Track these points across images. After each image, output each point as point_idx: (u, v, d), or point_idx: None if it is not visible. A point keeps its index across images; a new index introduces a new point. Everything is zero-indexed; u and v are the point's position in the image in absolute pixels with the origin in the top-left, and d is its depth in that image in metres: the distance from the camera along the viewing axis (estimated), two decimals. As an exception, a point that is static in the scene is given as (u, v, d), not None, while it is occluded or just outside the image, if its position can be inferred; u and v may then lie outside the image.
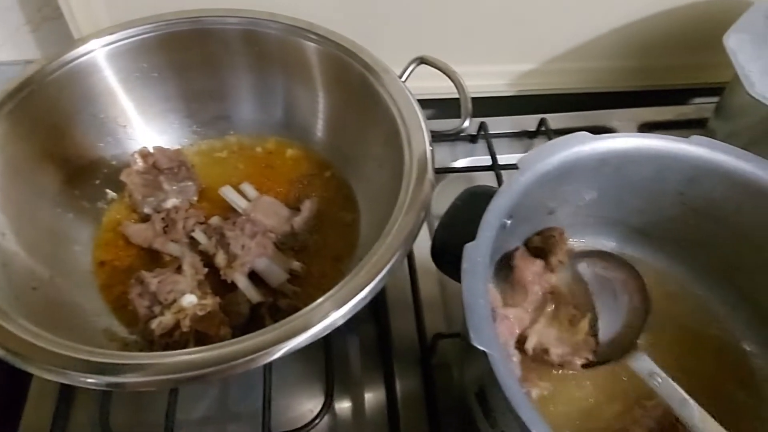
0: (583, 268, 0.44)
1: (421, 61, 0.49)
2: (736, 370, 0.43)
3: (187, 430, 0.43)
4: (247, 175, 0.54)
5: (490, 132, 0.63)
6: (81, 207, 0.49)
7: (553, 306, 0.43)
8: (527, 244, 0.44)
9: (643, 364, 0.39)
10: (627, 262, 0.45)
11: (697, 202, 0.42)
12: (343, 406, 0.46)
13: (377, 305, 0.50)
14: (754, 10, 0.50)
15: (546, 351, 0.40)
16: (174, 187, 0.50)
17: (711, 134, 0.59)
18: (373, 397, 0.47)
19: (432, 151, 0.42)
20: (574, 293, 0.43)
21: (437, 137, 0.48)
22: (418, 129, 0.43)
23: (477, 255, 0.33)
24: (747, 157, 0.38)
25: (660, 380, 0.38)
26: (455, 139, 0.65)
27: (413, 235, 0.37)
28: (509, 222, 0.39)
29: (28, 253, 0.41)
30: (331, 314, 0.33)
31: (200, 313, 0.38)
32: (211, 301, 0.39)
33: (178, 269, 0.41)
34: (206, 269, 0.43)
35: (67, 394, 0.44)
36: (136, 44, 0.48)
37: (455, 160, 0.63)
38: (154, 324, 0.38)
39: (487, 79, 0.69)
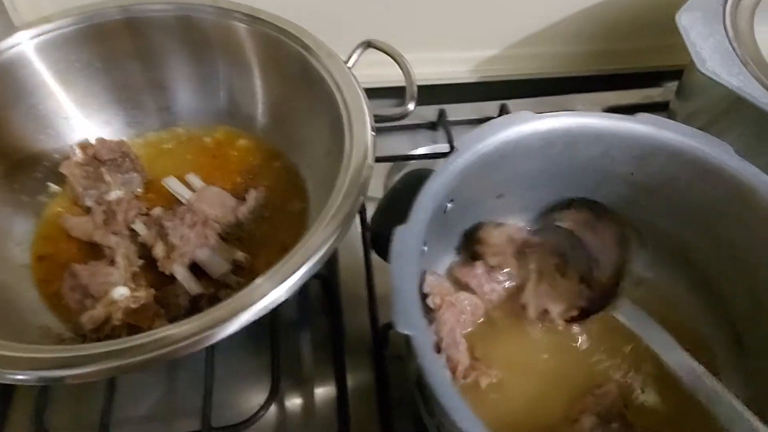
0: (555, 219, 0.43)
1: (369, 44, 0.47)
2: (694, 353, 0.42)
3: (128, 428, 0.42)
4: (196, 165, 0.52)
5: (450, 119, 0.62)
6: (20, 201, 0.47)
7: (535, 261, 0.42)
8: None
9: (628, 312, 0.39)
10: (605, 207, 0.43)
11: (646, 181, 0.41)
12: (294, 402, 0.45)
13: (330, 296, 0.49)
14: (708, -13, 0.49)
15: (547, 312, 0.40)
16: (117, 179, 0.48)
17: (672, 116, 0.58)
18: (324, 391, 0.46)
19: (374, 135, 0.41)
20: (551, 243, 0.43)
21: (387, 121, 0.47)
22: (361, 113, 0.41)
23: (408, 238, 0.31)
24: (693, 135, 0.37)
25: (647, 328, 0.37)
26: (416, 127, 0.64)
27: (349, 218, 0.36)
28: (450, 205, 0.38)
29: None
30: (270, 294, 0.32)
31: (133, 306, 0.37)
32: (144, 294, 0.38)
33: (112, 262, 0.39)
34: (141, 261, 0.41)
35: (3, 393, 0.42)
36: (66, 36, 0.47)
37: (415, 148, 0.62)
38: (84, 318, 0.37)
39: (449, 65, 0.67)
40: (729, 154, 0.37)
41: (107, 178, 0.48)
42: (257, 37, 0.47)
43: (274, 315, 0.46)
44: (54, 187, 0.50)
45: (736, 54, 0.44)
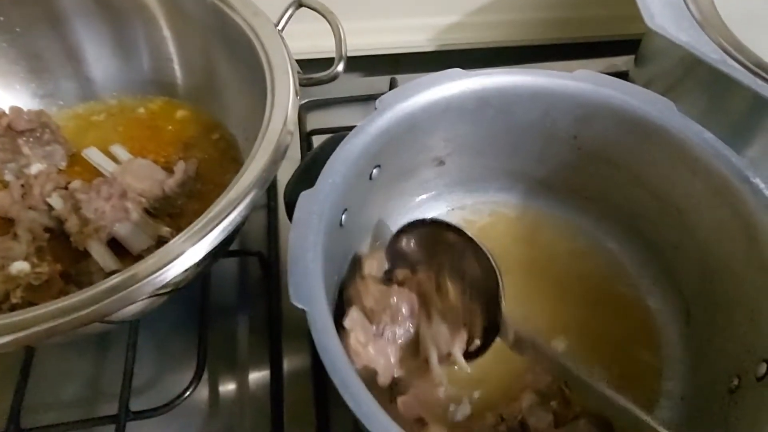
0: (409, 248, 0.37)
1: (299, 4, 0.44)
2: (641, 329, 0.40)
3: (45, 414, 0.40)
4: (127, 138, 0.49)
5: (403, 89, 0.59)
6: (-66, 177, 0.44)
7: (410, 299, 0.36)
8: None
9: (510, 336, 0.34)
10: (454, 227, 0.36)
11: (591, 145, 0.38)
12: (227, 386, 0.43)
13: (269, 278, 0.47)
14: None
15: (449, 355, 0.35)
16: (38, 152, 0.45)
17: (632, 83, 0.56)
18: (259, 375, 0.43)
19: (297, 98, 0.38)
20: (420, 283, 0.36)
21: (315, 83, 0.44)
22: (285, 74, 0.39)
23: (312, 203, 0.29)
24: (633, 91, 0.35)
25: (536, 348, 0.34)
26: (367, 98, 0.61)
27: (266, 179, 0.33)
28: (376, 171, 0.35)
29: None
30: (186, 252, 0.30)
31: (35, 283, 0.34)
32: (48, 269, 0.35)
33: (15, 235, 0.37)
34: (47, 234, 0.38)
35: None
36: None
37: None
38: (-21, 295, 0.34)
39: (407, 33, 0.64)
40: (672, 111, 0.34)
41: (26, 150, 0.45)
42: None
43: (205, 294, 0.44)
44: (-28, 162, 0.47)
45: (688, 9, 0.41)
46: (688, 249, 0.37)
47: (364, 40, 0.65)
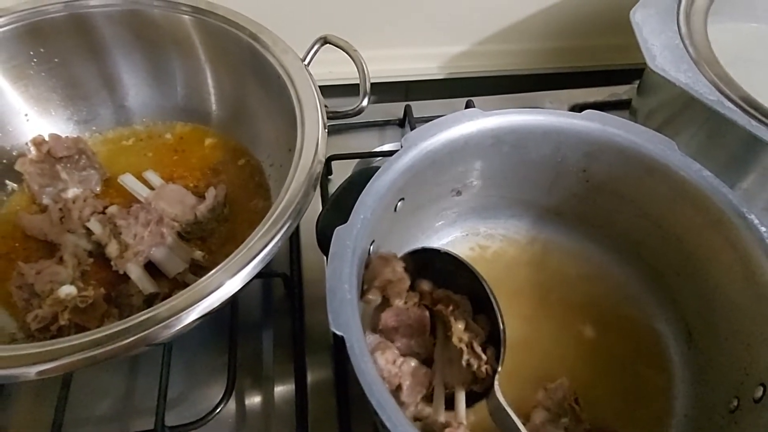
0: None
1: (325, 41, 0.47)
2: (648, 349, 0.43)
3: (83, 428, 0.42)
4: (157, 163, 0.52)
5: (418, 116, 0.61)
6: (-25, 200, 0.47)
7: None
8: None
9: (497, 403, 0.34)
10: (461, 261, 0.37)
11: (599, 178, 0.41)
12: (253, 399, 0.45)
13: (293, 295, 0.49)
14: (663, -16, 0.49)
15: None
16: (74, 177, 0.48)
17: (634, 114, 0.59)
18: (284, 389, 0.46)
19: (326, 131, 0.41)
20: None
21: (342, 118, 0.47)
22: (314, 108, 0.41)
23: (347, 238, 0.32)
24: (638, 132, 0.38)
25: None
26: (384, 124, 0.64)
27: (297, 212, 0.36)
28: (400, 204, 0.38)
29: None
30: (224, 284, 0.33)
31: (81, 306, 0.37)
32: (93, 293, 0.37)
33: (61, 260, 0.39)
34: (91, 259, 0.41)
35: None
36: (16, 33, 0.46)
37: (382, 145, 0.62)
38: (30, 317, 0.36)
39: (417, 62, 0.68)
40: (673, 150, 0.37)
41: (63, 175, 0.47)
42: (204, 30, 0.47)
43: (233, 314, 0.46)
44: (12, 185, 0.49)
45: (687, 52, 0.44)
46: (688, 276, 0.40)
47: (377, 68, 0.68)
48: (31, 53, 0.48)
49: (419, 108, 0.63)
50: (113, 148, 0.53)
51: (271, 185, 0.50)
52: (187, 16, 0.46)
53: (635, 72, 0.74)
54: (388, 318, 0.36)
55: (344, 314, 0.28)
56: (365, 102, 0.45)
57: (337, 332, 0.28)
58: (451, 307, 0.37)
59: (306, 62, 0.47)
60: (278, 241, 0.35)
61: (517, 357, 0.41)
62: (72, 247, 0.40)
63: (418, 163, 0.36)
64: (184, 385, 0.45)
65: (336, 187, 0.41)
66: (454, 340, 0.34)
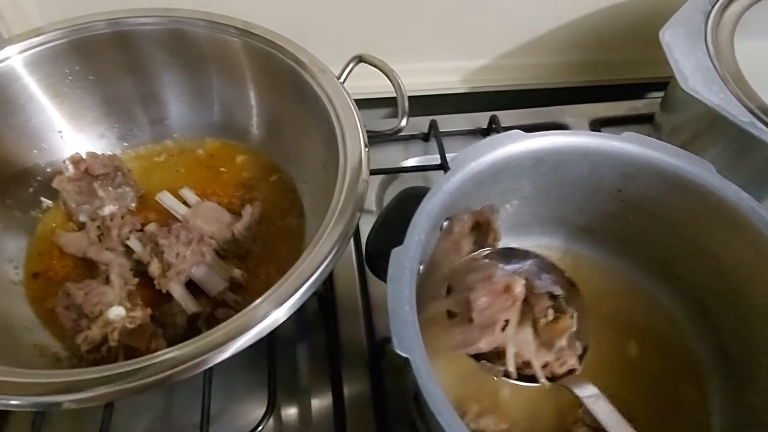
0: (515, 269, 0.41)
1: (360, 59, 0.48)
2: (682, 365, 0.43)
3: (127, 445, 0.42)
4: (189, 179, 0.53)
5: (442, 130, 0.62)
6: (12, 217, 0.47)
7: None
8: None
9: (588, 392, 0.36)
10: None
11: (633, 198, 0.42)
12: (290, 412, 0.46)
13: (327, 311, 0.50)
14: (690, 5, 0.50)
15: (527, 364, 0.36)
16: (110, 194, 0.48)
17: (657, 129, 0.60)
18: (321, 403, 0.46)
19: (368, 151, 0.41)
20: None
21: (380, 137, 0.48)
22: (354, 129, 0.42)
23: (404, 260, 0.32)
24: (676, 153, 0.39)
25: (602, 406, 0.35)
26: (408, 138, 0.64)
27: (347, 236, 0.36)
28: (445, 223, 0.39)
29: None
30: (270, 314, 0.33)
31: (129, 326, 0.37)
32: (141, 313, 0.38)
33: (107, 280, 0.40)
34: (136, 279, 0.41)
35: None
36: (58, 49, 0.46)
37: (407, 159, 0.63)
38: (80, 339, 0.37)
39: (440, 76, 0.68)
40: (711, 172, 0.38)
41: (100, 193, 0.47)
42: (251, 52, 0.47)
43: (272, 336, 0.46)
44: (47, 202, 0.49)
45: (717, 71, 0.45)
46: (723, 294, 0.40)
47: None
48: (67, 71, 0.49)
49: (442, 122, 0.64)
50: (145, 164, 0.54)
51: (304, 202, 0.51)
52: (229, 37, 0.47)
53: (651, 86, 0.76)
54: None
55: (408, 336, 0.29)
56: (404, 122, 0.45)
57: (402, 354, 0.28)
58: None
59: (341, 80, 0.47)
60: (326, 267, 0.35)
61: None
62: (118, 267, 0.41)
63: (465, 183, 0.37)
64: (222, 401, 0.45)
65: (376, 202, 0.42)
66: (559, 325, 0.35)
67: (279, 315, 0.33)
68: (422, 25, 0.65)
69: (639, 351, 0.44)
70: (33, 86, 0.47)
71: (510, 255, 0.42)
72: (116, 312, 0.37)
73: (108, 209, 0.48)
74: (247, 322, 0.32)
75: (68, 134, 0.51)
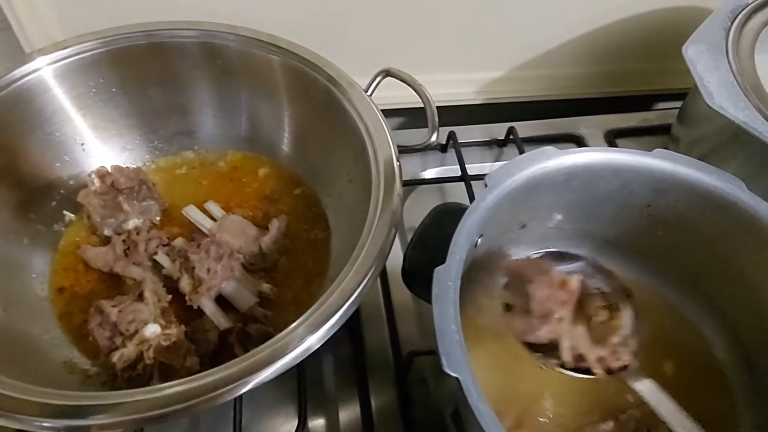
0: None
1: (387, 73, 0.48)
2: (708, 378, 0.44)
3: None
4: (211, 191, 0.52)
5: (460, 141, 0.63)
6: (36, 231, 0.47)
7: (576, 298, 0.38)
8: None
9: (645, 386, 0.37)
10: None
11: (663, 213, 0.42)
12: (318, 423, 0.46)
13: (351, 323, 0.50)
14: (711, 20, 0.51)
15: (581, 357, 0.37)
16: (135, 208, 0.48)
17: (675, 141, 0.61)
18: (348, 414, 0.46)
19: (399, 166, 0.41)
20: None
21: (407, 151, 0.48)
22: (386, 144, 0.42)
23: (447, 279, 0.32)
24: (707, 170, 0.39)
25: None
26: (425, 148, 0.64)
27: (384, 254, 0.36)
28: (480, 240, 0.39)
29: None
30: (306, 339, 0.32)
31: (164, 344, 0.37)
32: (175, 331, 0.38)
33: (140, 296, 0.39)
34: (170, 296, 0.41)
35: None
36: (87, 61, 0.46)
37: (425, 170, 0.63)
38: (115, 357, 0.36)
39: (456, 87, 0.69)
40: (742, 189, 0.38)
41: (125, 206, 0.47)
42: (287, 69, 0.47)
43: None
44: (70, 216, 0.49)
45: (740, 87, 0.46)
46: (750, 308, 0.41)
47: (412, 93, 0.69)
48: (92, 83, 0.48)
49: (460, 132, 0.64)
50: (166, 177, 0.53)
51: (329, 215, 0.51)
52: (266, 53, 0.47)
53: (659, 96, 0.77)
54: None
55: (456, 356, 0.29)
56: (434, 137, 0.46)
57: (452, 374, 0.28)
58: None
59: (368, 94, 0.47)
60: (362, 289, 0.35)
61: (583, 386, 0.42)
62: (151, 284, 0.40)
63: (501, 200, 0.37)
64: (251, 415, 0.45)
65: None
66: (613, 324, 0.37)
67: (312, 341, 0.32)
68: (439, 37, 0.65)
69: (666, 361, 0.44)
70: (61, 98, 0.47)
71: (563, 257, 0.43)
72: (152, 329, 0.37)
73: (132, 223, 0.48)
74: (281, 349, 0.32)
75: (90, 147, 0.51)
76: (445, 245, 0.35)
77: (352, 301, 0.34)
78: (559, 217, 0.44)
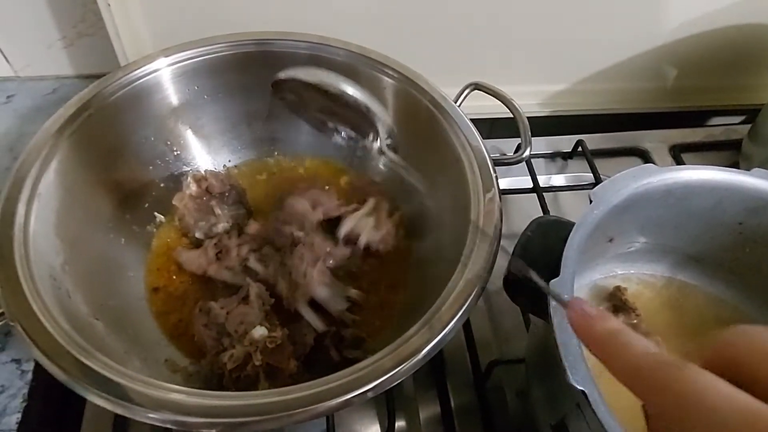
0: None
1: (476, 87, 0.49)
2: None
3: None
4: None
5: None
6: (132, 231, 0.48)
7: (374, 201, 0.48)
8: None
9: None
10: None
11: (754, 231, 0.43)
12: (399, 423, 0.46)
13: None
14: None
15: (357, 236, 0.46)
16: (225, 212, 0.49)
17: (747, 159, 0.61)
18: (429, 416, 0.47)
19: (496, 177, 0.42)
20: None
21: (500, 164, 0.49)
22: (484, 162, 0.43)
23: (564, 291, 0.33)
24: (807, 190, 0.39)
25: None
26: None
27: (485, 279, 0.37)
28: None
29: (89, 282, 0.40)
30: (425, 348, 0.33)
31: (270, 346, 0.38)
32: (280, 333, 0.39)
33: (245, 299, 0.40)
34: (273, 300, 0.42)
35: (121, 422, 0.43)
36: (202, 64, 0.48)
37: (495, 182, 0.64)
38: (225, 357, 0.37)
39: (522, 98, 0.69)
40: (840, 212, 0.39)
41: (217, 210, 0.48)
42: (396, 90, 0.48)
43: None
44: (160, 217, 0.51)
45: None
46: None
47: (476, 104, 0.70)
48: (212, 84, 0.50)
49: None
50: (248, 181, 0.55)
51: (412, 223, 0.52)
52: (377, 73, 0.48)
53: (719, 112, 0.77)
54: None
55: (580, 368, 0.30)
56: (527, 152, 0.46)
57: (578, 387, 0.29)
58: None
59: (458, 105, 0.48)
60: (476, 293, 0.36)
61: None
62: (256, 288, 0.41)
63: (605, 216, 0.38)
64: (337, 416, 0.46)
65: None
66: None
67: (438, 343, 0.33)
68: (505, 49, 0.66)
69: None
70: (171, 99, 0.48)
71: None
72: (260, 332, 0.38)
73: (222, 226, 0.49)
74: (402, 352, 0.33)
75: (181, 150, 0.52)
76: (545, 257, 0.36)
77: (457, 320, 0.35)
78: (645, 231, 0.45)
